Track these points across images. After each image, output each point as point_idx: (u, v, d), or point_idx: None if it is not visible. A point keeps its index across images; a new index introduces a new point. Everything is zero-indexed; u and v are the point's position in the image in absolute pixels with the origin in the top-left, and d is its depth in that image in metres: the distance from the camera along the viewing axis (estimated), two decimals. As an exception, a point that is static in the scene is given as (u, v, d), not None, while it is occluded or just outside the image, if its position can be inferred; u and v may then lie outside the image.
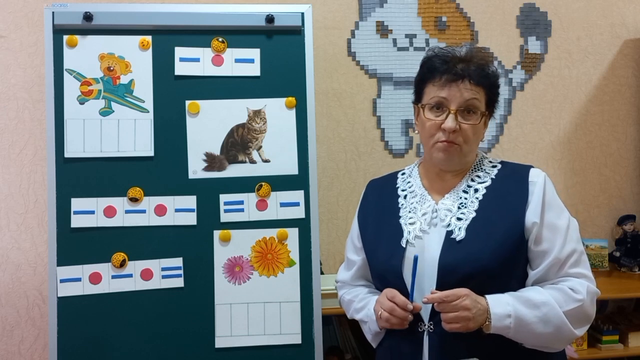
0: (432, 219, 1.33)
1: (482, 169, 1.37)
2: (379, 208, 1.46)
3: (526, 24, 2.64)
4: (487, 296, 1.23)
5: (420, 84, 1.38)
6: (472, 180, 1.35)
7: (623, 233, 2.67)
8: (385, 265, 1.36)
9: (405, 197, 1.42)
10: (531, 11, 2.64)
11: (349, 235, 1.56)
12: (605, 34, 2.70)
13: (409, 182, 1.45)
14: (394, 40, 2.55)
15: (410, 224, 1.35)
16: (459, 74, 1.30)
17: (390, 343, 1.35)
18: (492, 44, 2.61)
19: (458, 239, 1.27)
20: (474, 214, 1.30)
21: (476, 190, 1.33)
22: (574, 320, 1.23)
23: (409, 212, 1.38)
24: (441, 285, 1.25)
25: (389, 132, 2.56)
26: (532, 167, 1.36)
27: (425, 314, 1.28)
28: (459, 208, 1.32)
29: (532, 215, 1.27)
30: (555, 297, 1.23)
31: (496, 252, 1.24)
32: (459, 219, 1.30)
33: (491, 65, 1.36)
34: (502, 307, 1.21)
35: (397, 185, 1.47)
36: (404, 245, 1.33)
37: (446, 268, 1.26)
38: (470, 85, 1.30)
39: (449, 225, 1.30)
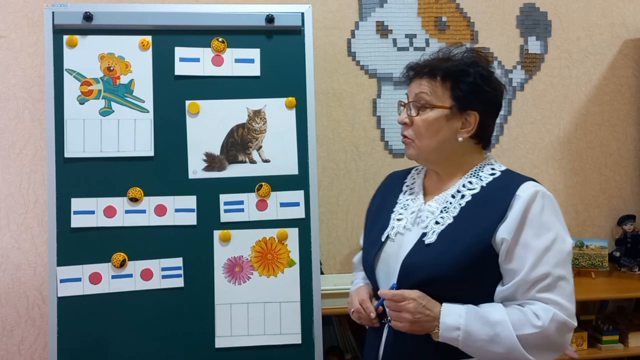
0: (417, 219, 1.35)
1: (478, 175, 1.33)
2: (384, 199, 1.48)
3: (526, 24, 2.64)
4: (443, 305, 1.23)
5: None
6: (464, 185, 1.33)
7: (623, 233, 2.67)
8: (365, 256, 1.43)
9: (404, 192, 1.44)
10: (531, 11, 2.64)
11: None
12: (605, 34, 2.70)
13: (414, 179, 1.47)
14: (394, 40, 2.55)
15: (397, 219, 1.38)
16: (417, 71, 1.35)
17: (369, 329, 1.42)
18: (492, 44, 2.61)
19: (427, 242, 1.28)
20: (451, 220, 1.28)
21: (463, 196, 1.31)
22: (529, 345, 1.18)
23: (402, 208, 1.40)
24: (400, 285, 1.28)
25: (389, 132, 2.56)
26: (530, 181, 1.29)
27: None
28: (441, 212, 1.31)
29: (503, 231, 1.22)
30: (513, 318, 1.19)
31: (456, 261, 1.22)
32: (437, 222, 1.30)
33: (461, 58, 1.34)
34: (453, 318, 1.21)
35: (405, 181, 1.49)
36: (382, 240, 1.37)
37: (406, 269, 1.29)
38: (425, 80, 1.33)
39: (426, 227, 1.31)
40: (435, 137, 1.32)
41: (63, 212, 1.86)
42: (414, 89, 1.35)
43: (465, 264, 1.22)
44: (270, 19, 1.94)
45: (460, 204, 1.30)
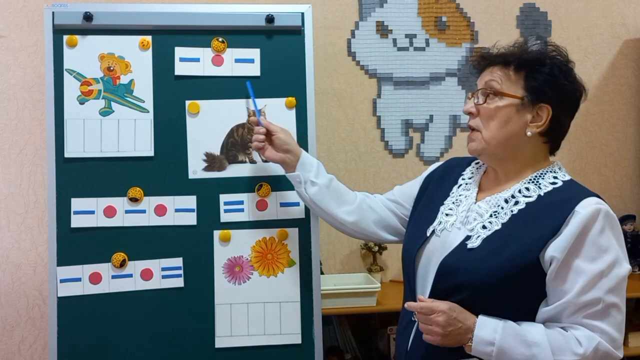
0: (466, 218, 1.28)
1: (537, 182, 1.25)
2: (437, 187, 1.42)
3: (526, 24, 2.64)
4: (479, 317, 1.18)
5: None
6: (520, 191, 1.24)
7: (623, 233, 2.67)
8: (406, 247, 1.37)
9: (459, 186, 1.37)
10: (531, 11, 2.64)
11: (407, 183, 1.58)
12: (605, 34, 2.70)
13: (472, 173, 1.39)
14: (394, 40, 2.55)
15: (446, 214, 1.32)
16: (490, 60, 1.28)
17: (399, 327, 1.40)
18: (492, 44, 2.60)
19: (470, 246, 1.22)
20: (499, 227, 1.22)
21: (516, 203, 1.23)
22: None
23: (453, 202, 1.33)
24: (435, 287, 1.24)
25: (389, 132, 2.56)
26: (593, 196, 1.20)
27: None
28: (491, 216, 1.24)
29: (554, 249, 1.14)
30: (553, 341, 1.13)
31: (496, 271, 1.17)
32: (484, 227, 1.23)
33: (536, 48, 1.27)
34: (487, 332, 1.15)
35: (463, 172, 1.41)
36: (427, 234, 1.31)
37: (443, 271, 1.23)
38: (497, 69, 1.26)
39: (472, 229, 1.25)
40: (503, 128, 1.23)
41: (63, 212, 1.86)
42: (484, 77, 1.28)
43: (506, 276, 1.16)
44: (270, 19, 1.94)
45: (512, 211, 1.22)
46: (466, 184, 1.37)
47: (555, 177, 1.26)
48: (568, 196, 1.19)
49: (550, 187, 1.23)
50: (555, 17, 2.66)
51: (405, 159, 2.57)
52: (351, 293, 2.20)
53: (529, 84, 1.23)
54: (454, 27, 2.59)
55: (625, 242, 2.61)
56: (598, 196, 1.21)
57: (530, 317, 1.20)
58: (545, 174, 1.26)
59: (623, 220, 2.67)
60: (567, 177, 1.27)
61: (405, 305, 1.25)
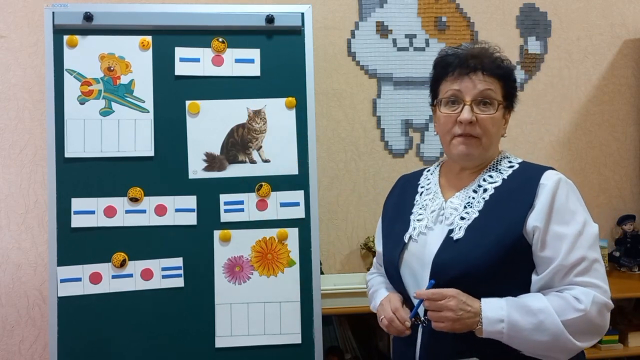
0: (439, 216, 1.33)
1: (497, 168, 1.34)
2: (399, 203, 1.47)
3: (526, 24, 2.64)
4: (482, 299, 1.21)
5: (435, 83, 1.38)
6: (484, 180, 1.33)
7: (623, 233, 2.67)
8: (387, 257, 1.41)
9: (421, 194, 1.43)
10: (531, 11, 2.64)
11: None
12: (605, 34, 2.70)
13: (429, 179, 1.45)
14: (394, 40, 2.55)
15: (418, 220, 1.37)
16: (472, 66, 1.31)
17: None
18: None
19: (456, 238, 1.27)
20: (476, 214, 1.28)
21: (485, 190, 1.31)
22: (574, 330, 1.18)
23: (420, 208, 1.39)
24: (435, 284, 1.26)
25: (389, 132, 2.56)
26: (550, 169, 1.31)
27: (422, 309, 1.27)
28: (465, 207, 1.30)
29: (534, 220, 1.22)
30: (554, 305, 1.18)
31: (490, 254, 1.22)
32: (462, 218, 1.29)
33: (505, 58, 1.35)
34: (495, 311, 1.19)
35: (419, 182, 1.47)
36: (405, 241, 1.36)
37: (439, 267, 1.27)
38: (483, 77, 1.30)
39: (452, 223, 1.30)
40: (497, 136, 1.34)
41: (63, 212, 1.87)
42: (477, 84, 1.30)
43: (498, 256, 1.22)
44: (270, 19, 1.94)
45: (484, 198, 1.29)
46: (427, 189, 1.43)
47: (510, 162, 1.36)
48: (530, 174, 1.30)
49: (510, 170, 1.33)
50: (555, 17, 2.66)
51: (405, 159, 2.57)
52: (351, 293, 2.20)
53: (507, 92, 1.34)
54: (453, 27, 2.59)
55: (625, 242, 2.67)
56: (553, 169, 1.32)
57: (525, 289, 1.25)
58: (500, 160, 1.36)
59: (623, 220, 2.67)
60: (520, 160, 1.37)
61: (415, 292, 1.27)
